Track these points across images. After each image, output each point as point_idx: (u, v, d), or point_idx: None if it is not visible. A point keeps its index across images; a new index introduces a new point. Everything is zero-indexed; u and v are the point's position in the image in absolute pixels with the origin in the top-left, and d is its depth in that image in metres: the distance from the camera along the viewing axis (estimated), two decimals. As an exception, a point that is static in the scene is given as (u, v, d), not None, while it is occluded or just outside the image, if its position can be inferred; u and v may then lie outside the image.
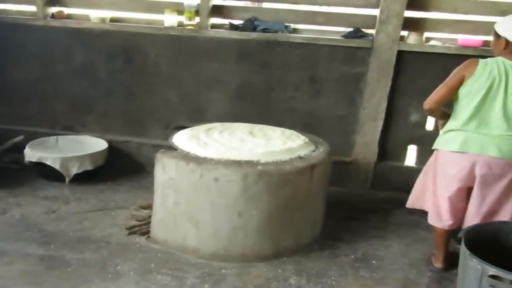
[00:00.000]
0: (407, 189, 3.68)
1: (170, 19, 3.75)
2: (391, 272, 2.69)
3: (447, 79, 2.51)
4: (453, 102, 2.53)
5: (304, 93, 3.74)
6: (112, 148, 3.92)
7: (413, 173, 3.71)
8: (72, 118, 4.10)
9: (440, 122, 2.74)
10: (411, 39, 3.56)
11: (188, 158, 2.65)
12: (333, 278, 2.58)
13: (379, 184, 3.80)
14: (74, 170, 3.53)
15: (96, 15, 3.87)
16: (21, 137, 3.80)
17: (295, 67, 3.69)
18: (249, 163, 2.60)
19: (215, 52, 3.75)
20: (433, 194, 2.61)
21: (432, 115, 2.79)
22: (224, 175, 2.54)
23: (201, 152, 2.69)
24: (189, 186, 2.62)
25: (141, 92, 3.95)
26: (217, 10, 3.79)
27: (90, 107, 4.05)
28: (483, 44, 3.46)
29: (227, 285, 2.46)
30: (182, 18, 3.76)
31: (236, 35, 3.69)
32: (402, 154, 3.80)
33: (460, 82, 2.43)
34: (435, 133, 3.67)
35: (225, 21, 3.82)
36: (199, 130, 3.03)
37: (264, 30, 3.67)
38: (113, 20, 3.91)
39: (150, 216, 2.95)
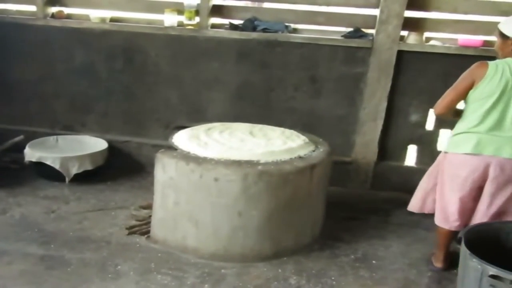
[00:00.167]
0: (407, 189, 3.68)
1: (170, 19, 3.75)
2: (391, 272, 2.69)
3: (456, 82, 2.49)
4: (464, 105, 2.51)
5: (304, 93, 3.74)
6: (112, 148, 3.92)
7: (413, 173, 3.72)
8: (72, 118, 4.10)
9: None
10: (411, 39, 3.56)
11: (188, 158, 2.65)
12: (333, 278, 2.58)
13: (379, 184, 3.80)
14: (74, 170, 3.53)
15: (96, 15, 3.87)
16: (21, 137, 3.80)
17: (295, 67, 3.69)
18: (249, 163, 2.60)
19: (215, 52, 3.75)
20: (440, 196, 2.59)
21: (444, 118, 2.75)
22: (224, 175, 2.54)
23: (201, 152, 2.69)
24: (189, 186, 2.62)
25: (141, 92, 3.95)
26: (217, 10, 3.79)
27: (90, 107, 4.05)
28: (483, 44, 3.46)
29: (227, 285, 2.46)
30: (182, 18, 3.76)
31: (236, 35, 3.69)
32: (402, 154, 3.80)
33: (470, 86, 2.42)
34: (435, 133, 3.70)
35: (225, 21, 3.82)
36: (199, 130, 3.03)
37: (264, 30, 3.67)
38: (113, 20, 3.91)
39: (150, 216, 2.95)
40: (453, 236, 2.65)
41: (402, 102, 3.67)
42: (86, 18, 3.92)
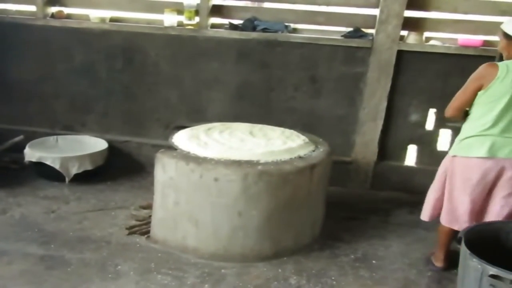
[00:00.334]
0: (407, 189, 3.71)
1: (170, 19, 3.75)
2: (391, 272, 2.69)
3: (466, 84, 2.44)
4: (471, 107, 2.47)
5: (304, 93, 3.74)
6: (112, 148, 3.92)
7: (413, 173, 3.74)
8: (72, 118, 4.10)
9: None
10: (411, 39, 3.56)
11: (188, 158, 2.65)
12: (333, 278, 2.58)
13: (379, 184, 3.80)
14: (74, 170, 3.53)
15: (96, 15, 3.87)
16: (21, 137, 3.79)
17: (295, 67, 3.69)
18: (249, 163, 2.60)
19: (215, 52, 3.75)
20: (449, 198, 2.55)
21: (455, 120, 2.65)
22: (224, 175, 2.54)
23: (201, 152, 2.69)
24: (189, 186, 2.62)
25: (141, 92, 3.95)
26: (217, 10, 3.79)
27: (90, 107, 4.05)
28: (483, 44, 3.46)
29: (227, 285, 2.46)
30: (182, 18, 3.76)
31: (236, 35, 3.69)
32: (402, 154, 3.80)
33: (480, 87, 2.38)
34: (435, 133, 3.70)
35: (225, 21, 3.82)
36: (199, 130, 3.03)
37: (264, 30, 3.67)
38: (113, 20, 3.91)
39: (150, 216, 2.95)
40: (454, 235, 2.64)
41: (402, 102, 3.67)
42: (86, 18, 3.92)
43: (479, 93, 2.39)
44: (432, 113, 3.65)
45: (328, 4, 3.78)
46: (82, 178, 3.57)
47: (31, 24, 3.90)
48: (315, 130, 3.52)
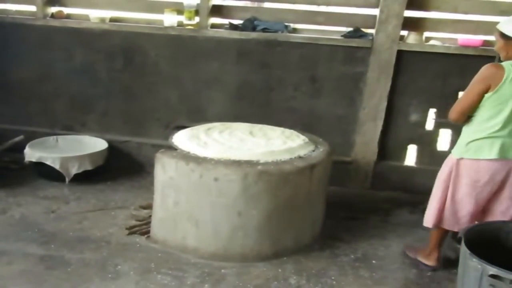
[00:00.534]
0: (407, 189, 3.70)
1: (169, 19, 3.75)
2: (391, 272, 2.69)
3: (471, 87, 2.37)
4: (476, 109, 2.39)
5: (304, 93, 3.74)
6: (112, 148, 3.92)
7: (413, 173, 3.74)
8: (72, 118, 4.10)
9: None
10: (411, 38, 3.56)
11: (188, 158, 2.65)
12: (333, 277, 2.58)
13: (379, 184, 3.80)
14: (74, 170, 3.53)
15: (95, 15, 3.87)
16: (21, 137, 3.79)
17: (295, 67, 3.69)
18: (249, 163, 2.60)
19: (215, 52, 3.75)
20: (452, 200, 2.52)
21: (459, 123, 2.54)
22: (224, 174, 2.54)
23: (201, 152, 2.69)
24: (189, 185, 2.62)
25: (141, 92, 3.95)
26: (217, 10, 3.79)
27: (90, 107, 4.05)
28: (483, 43, 3.46)
29: (227, 284, 2.46)
30: (182, 18, 3.76)
31: (236, 35, 3.69)
32: (402, 154, 3.80)
33: (487, 89, 2.31)
34: (435, 133, 3.70)
35: (225, 21, 3.82)
36: (199, 129, 3.03)
37: (264, 30, 3.67)
38: (112, 20, 3.91)
39: (150, 216, 2.95)
40: (447, 234, 2.66)
41: (402, 102, 3.66)
42: (86, 18, 3.92)
43: (486, 95, 2.32)
44: (432, 113, 3.65)
45: (328, 4, 3.78)
46: (82, 178, 3.57)
47: (31, 24, 3.90)
48: (315, 130, 3.52)
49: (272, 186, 2.59)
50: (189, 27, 3.75)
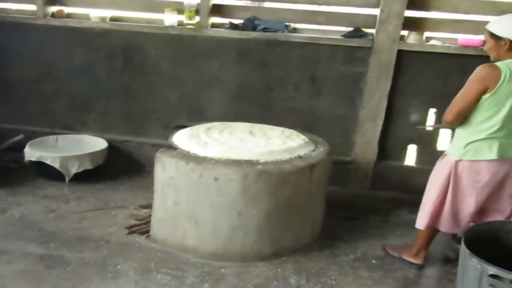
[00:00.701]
0: (407, 189, 3.70)
1: (170, 18, 3.75)
2: (391, 271, 2.69)
3: (467, 88, 2.32)
4: (473, 111, 2.36)
5: (304, 93, 3.74)
6: (112, 148, 3.92)
7: (413, 172, 3.74)
8: (72, 117, 4.10)
9: None
10: (411, 38, 3.56)
11: (188, 157, 2.65)
12: (332, 277, 2.58)
13: (378, 184, 3.80)
14: (74, 169, 3.53)
15: (96, 14, 3.87)
16: (21, 136, 3.79)
17: (295, 66, 3.69)
18: (249, 163, 2.60)
19: (215, 52, 3.75)
20: (452, 203, 2.50)
21: (455, 126, 2.50)
22: (224, 174, 2.54)
23: (201, 152, 2.69)
24: (188, 185, 2.62)
25: (141, 91, 3.95)
26: (217, 10, 3.79)
27: (90, 107, 4.05)
28: (483, 43, 3.45)
29: (226, 284, 2.46)
30: (182, 17, 3.75)
31: (236, 34, 3.69)
32: (402, 154, 3.80)
33: (484, 91, 2.28)
34: (435, 133, 3.70)
35: (225, 21, 3.81)
36: (199, 129, 3.03)
37: (264, 30, 3.66)
38: (113, 19, 3.91)
39: (149, 216, 2.95)
40: (437, 234, 2.67)
41: (402, 102, 3.66)
42: (86, 17, 3.92)
43: (484, 96, 2.29)
44: (432, 113, 3.65)
45: (328, 4, 3.78)
46: (82, 178, 3.57)
47: (31, 24, 3.90)
48: (315, 129, 3.51)
49: (272, 186, 2.59)
50: (190, 26, 3.74)
